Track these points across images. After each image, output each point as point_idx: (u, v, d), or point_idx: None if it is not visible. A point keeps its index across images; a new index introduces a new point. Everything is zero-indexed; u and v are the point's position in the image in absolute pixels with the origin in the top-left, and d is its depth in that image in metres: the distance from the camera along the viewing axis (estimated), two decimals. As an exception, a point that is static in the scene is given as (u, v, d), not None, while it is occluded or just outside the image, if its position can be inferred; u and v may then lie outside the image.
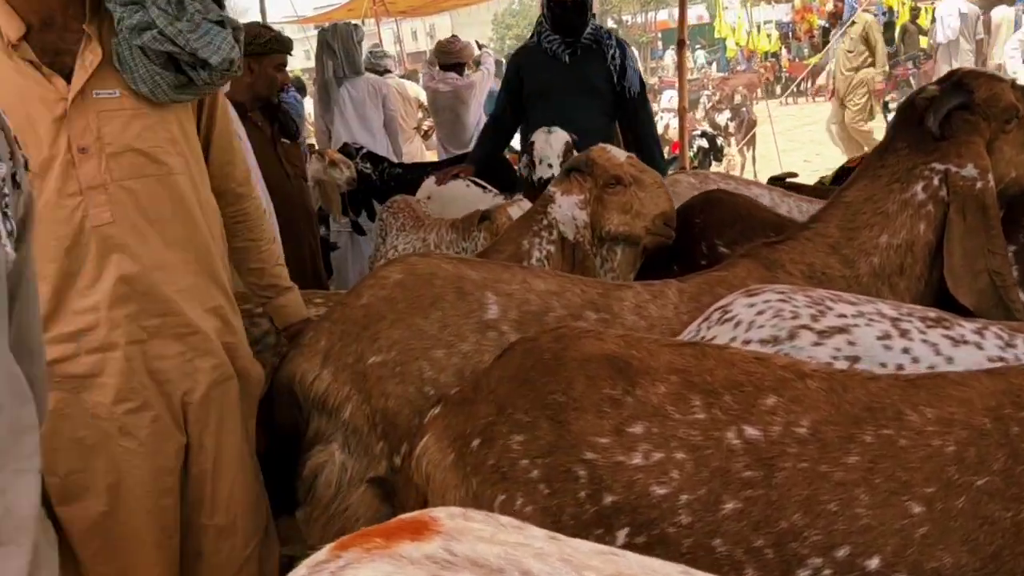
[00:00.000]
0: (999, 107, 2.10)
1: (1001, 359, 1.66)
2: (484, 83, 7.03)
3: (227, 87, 2.30)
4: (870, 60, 8.82)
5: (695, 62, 22.87)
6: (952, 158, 2.06)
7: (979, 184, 2.05)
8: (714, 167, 8.73)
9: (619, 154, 2.82)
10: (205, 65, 1.88)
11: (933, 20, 15.58)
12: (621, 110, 4.28)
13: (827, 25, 20.51)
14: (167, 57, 1.86)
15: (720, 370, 1.38)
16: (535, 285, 2.20)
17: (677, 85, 5.75)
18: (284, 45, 3.76)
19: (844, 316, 1.74)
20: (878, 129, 8.12)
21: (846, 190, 2.12)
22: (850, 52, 8.54)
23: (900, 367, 1.66)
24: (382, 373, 2.09)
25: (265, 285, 2.32)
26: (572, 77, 4.19)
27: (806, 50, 20.78)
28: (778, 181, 3.66)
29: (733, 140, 9.75)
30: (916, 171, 2.08)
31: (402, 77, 8.55)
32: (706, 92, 13.46)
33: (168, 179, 1.93)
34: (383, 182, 5.25)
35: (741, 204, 2.67)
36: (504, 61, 7.59)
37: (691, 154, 7.52)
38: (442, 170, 4.67)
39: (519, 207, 3.43)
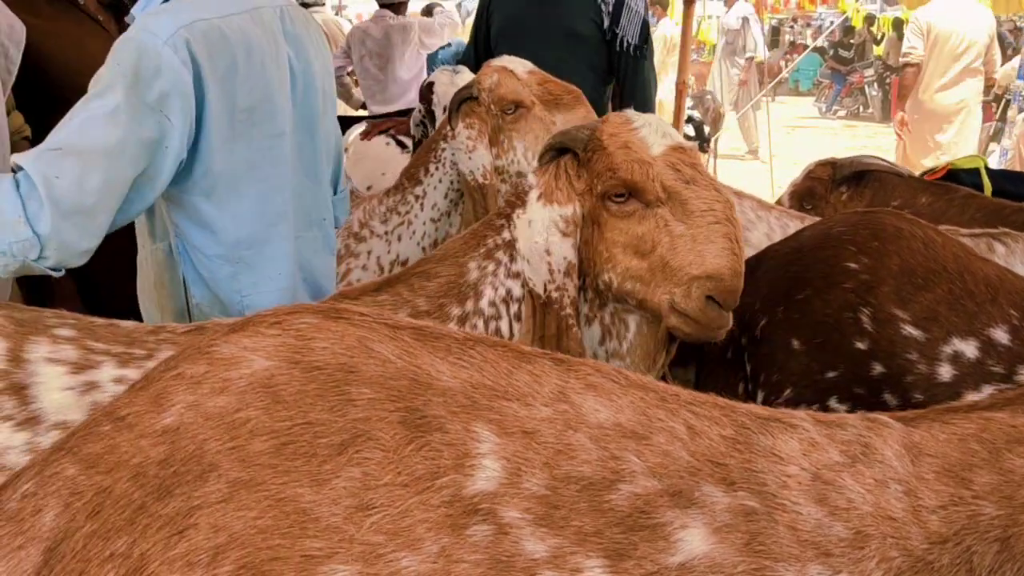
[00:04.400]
0: None
1: None
2: (431, 34, 5.67)
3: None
4: None
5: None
6: None
7: None
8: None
9: (654, 133, 1.46)
10: None
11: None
12: (614, 67, 3.10)
13: (776, 24, 19.81)
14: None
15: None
16: (584, 409, 0.94)
17: (679, 53, 4.53)
18: None
19: None
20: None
21: None
22: None
23: None
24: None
25: None
26: (546, 16, 3.02)
27: (756, 47, 19.92)
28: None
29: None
30: None
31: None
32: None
33: None
34: None
35: (942, 245, 1.43)
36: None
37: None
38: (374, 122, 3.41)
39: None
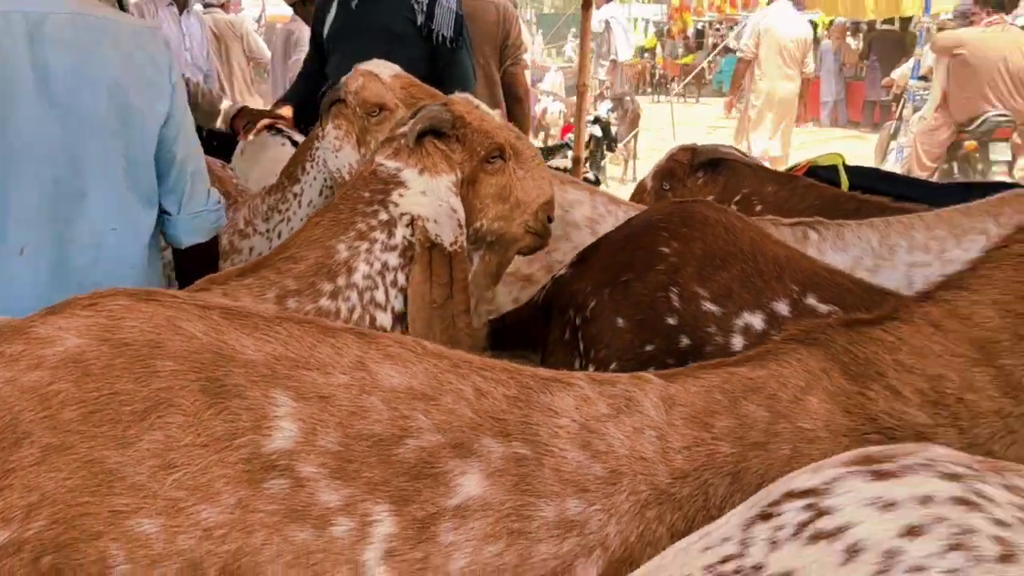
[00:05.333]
0: None
1: None
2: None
3: None
4: None
5: (565, 55, 21.99)
6: None
7: None
8: (607, 160, 7.77)
9: (489, 110, 1.92)
10: None
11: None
12: (434, 62, 3.21)
13: (701, 27, 20.24)
14: None
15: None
16: (380, 376, 1.06)
17: (578, 56, 4.69)
18: None
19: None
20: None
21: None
22: None
23: None
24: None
25: None
26: (366, 18, 3.15)
27: (680, 49, 20.31)
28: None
29: (616, 134, 8.80)
30: None
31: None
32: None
33: None
34: None
35: (740, 230, 1.60)
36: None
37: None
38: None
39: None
